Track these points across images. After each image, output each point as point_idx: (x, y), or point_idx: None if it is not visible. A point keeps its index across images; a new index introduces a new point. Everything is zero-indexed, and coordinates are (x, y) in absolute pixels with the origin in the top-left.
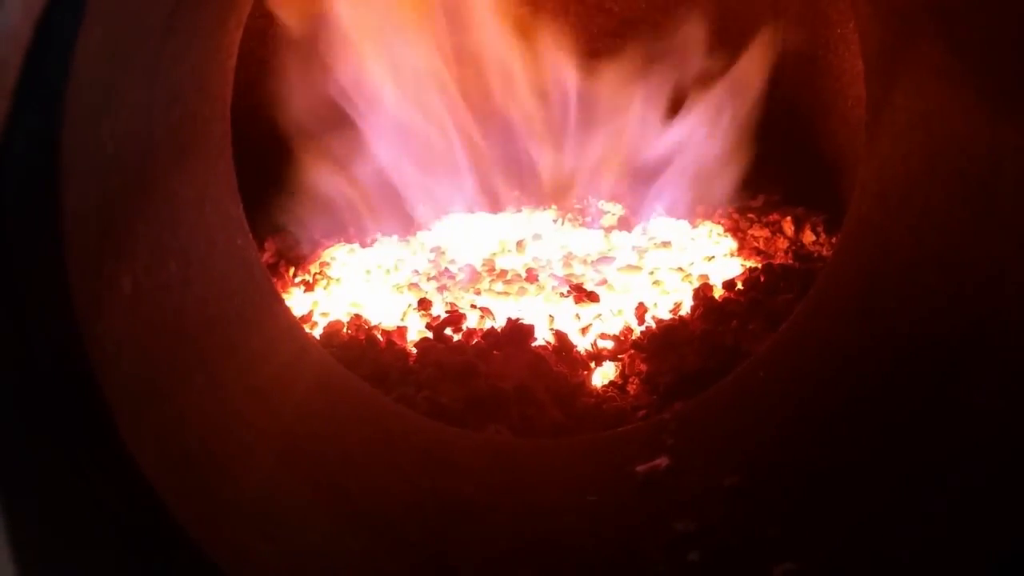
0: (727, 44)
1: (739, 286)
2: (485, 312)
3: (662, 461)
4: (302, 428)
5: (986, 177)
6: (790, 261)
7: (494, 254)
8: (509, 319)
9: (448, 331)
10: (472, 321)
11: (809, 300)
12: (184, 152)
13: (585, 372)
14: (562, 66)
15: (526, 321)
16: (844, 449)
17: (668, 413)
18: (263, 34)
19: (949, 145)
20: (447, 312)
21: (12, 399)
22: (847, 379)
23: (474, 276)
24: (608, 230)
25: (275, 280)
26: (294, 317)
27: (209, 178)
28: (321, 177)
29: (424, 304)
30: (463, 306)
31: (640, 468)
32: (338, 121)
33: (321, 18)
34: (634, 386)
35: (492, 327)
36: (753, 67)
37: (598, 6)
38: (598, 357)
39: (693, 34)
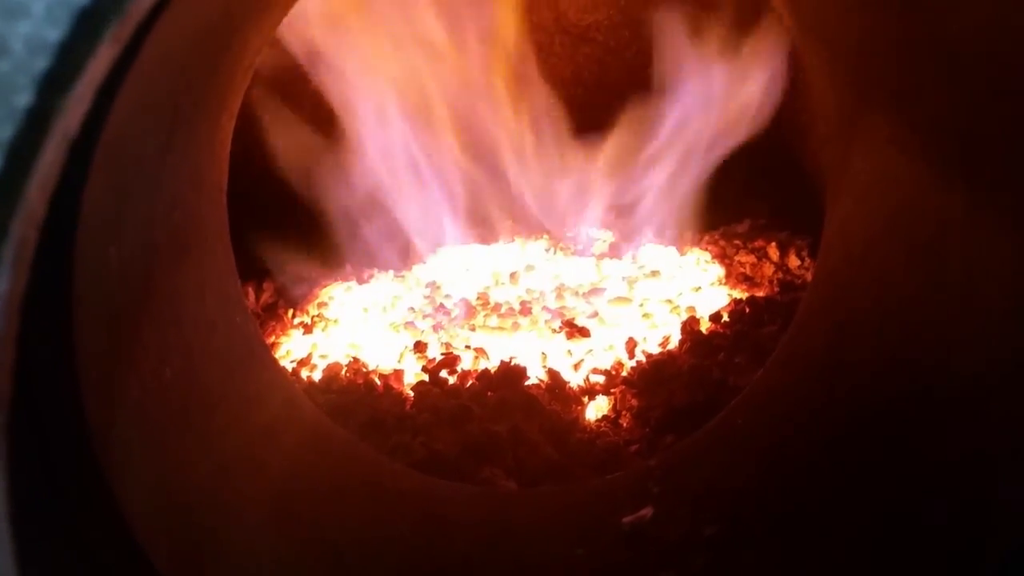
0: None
1: (725, 318)
2: (479, 353)
3: (647, 511)
4: (293, 485)
5: (936, 244)
6: (775, 290)
7: (488, 287)
8: (502, 361)
9: (444, 373)
10: (467, 362)
11: (781, 350)
12: (184, 247)
13: (578, 408)
14: (550, 95)
15: (519, 362)
16: (813, 498)
17: (654, 460)
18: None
19: (903, 210)
20: (442, 354)
21: (31, 500)
22: (816, 429)
23: (469, 311)
24: (600, 257)
25: (274, 323)
26: (290, 380)
27: (208, 265)
28: (317, 215)
29: (420, 347)
30: (458, 345)
31: (626, 519)
32: (332, 159)
33: (313, 55)
34: (626, 420)
35: (486, 368)
36: (735, 91)
37: (583, 36)
38: (591, 392)
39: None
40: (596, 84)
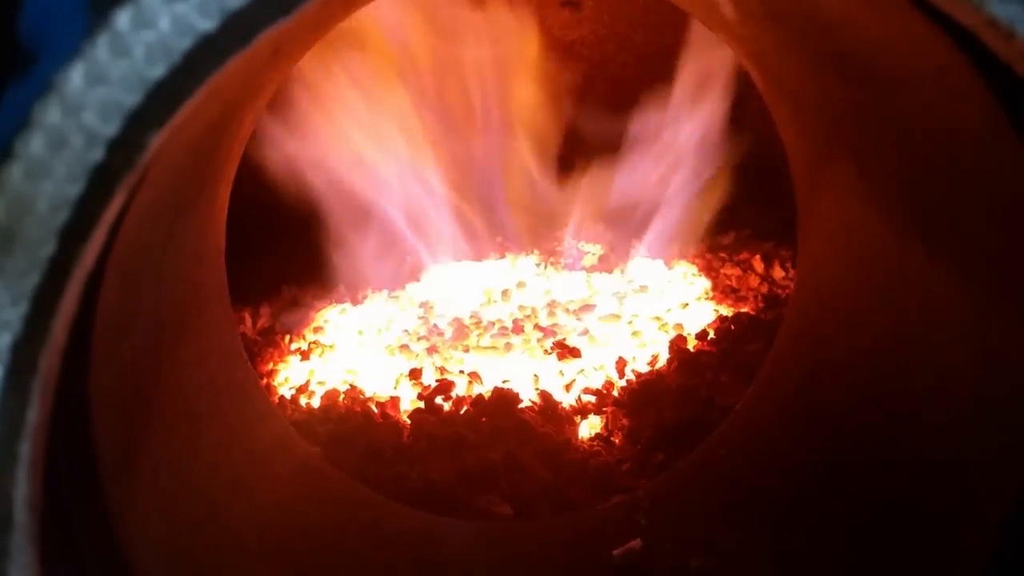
0: (694, 79)
1: (711, 335)
2: (473, 377)
3: (636, 543)
4: (294, 532)
5: (897, 289)
6: (760, 304)
7: (481, 304)
8: (496, 387)
9: (439, 399)
10: (461, 387)
11: (760, 382)
12: (187, 318)
13: (570, 428)
14: (539, 110)
15: (512, 386)
16: (793, 532)
17: (643, 488)
18: None
19: (866, 257)
20: (437, 380)
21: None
22: (794, 463)
23: (461, 331)
24: (590, 271)
25: (271, 350)
26: (287, 424)
27: (210, 330)
28: (311, 237)
29: (415, 374)
30: (452, 369)
31: (616, 552)
32: (323, 179)
33: (301, 82)
34: (618, 439)
35: (480, 393)
36: (719, 105)
37: (568, 51)
38: (582, 412)
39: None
40: (582, 97)
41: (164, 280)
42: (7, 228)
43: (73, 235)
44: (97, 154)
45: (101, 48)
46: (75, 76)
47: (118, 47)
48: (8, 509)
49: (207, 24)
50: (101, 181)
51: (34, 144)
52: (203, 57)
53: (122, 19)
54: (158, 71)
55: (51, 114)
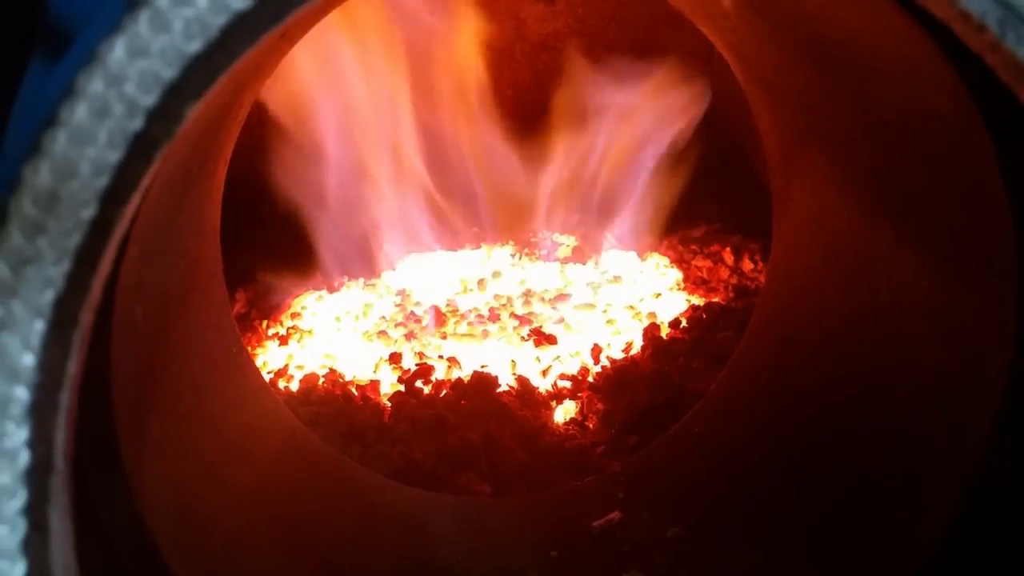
0: (665, 74)
1: (684, 324)
2: (452, 362)
3: (615, 515)
4: (278, 492)
5: (867, 275)
6: (730, 295)
7: (457, 294)
8: (475, 371)
9: (419, 383)
10: (440, 371)
11: (734, 363)
12: (188, 291)
13: (547, 412)
14: (514, 103)
15: (490, 370)
16: (766, 501)
17: (619, 466)
18: None
19: (837, 243)
20: (417, 364)
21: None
22: (767, 437)
23: (439, 319)
24: (564, 262)
25: (249, 334)
26: (277, 399)
27: (207, 303)
28: (287, 224)
29: (395, 358)
30: (431, 355)
31: (596, 523)
32: (300, 168)
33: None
34: (592, 423)
35: (459, 377)
36: (690, 97)
37: (543, 44)
38: (558, 397)
39: (633, 67)
40: (556, 90)
41: (171, 253)
42: (52, 190)
43: (113, 198)
44: (137, 123)
45: (142, 23)
46: (118, 48)
47: (158, 22)
48: (50, 454)
49: (242, 3)
50: (140, 148)
51: (78, 112)
52: (237, 33)
53: None
54: (195, 46)
55: (95, 84)
